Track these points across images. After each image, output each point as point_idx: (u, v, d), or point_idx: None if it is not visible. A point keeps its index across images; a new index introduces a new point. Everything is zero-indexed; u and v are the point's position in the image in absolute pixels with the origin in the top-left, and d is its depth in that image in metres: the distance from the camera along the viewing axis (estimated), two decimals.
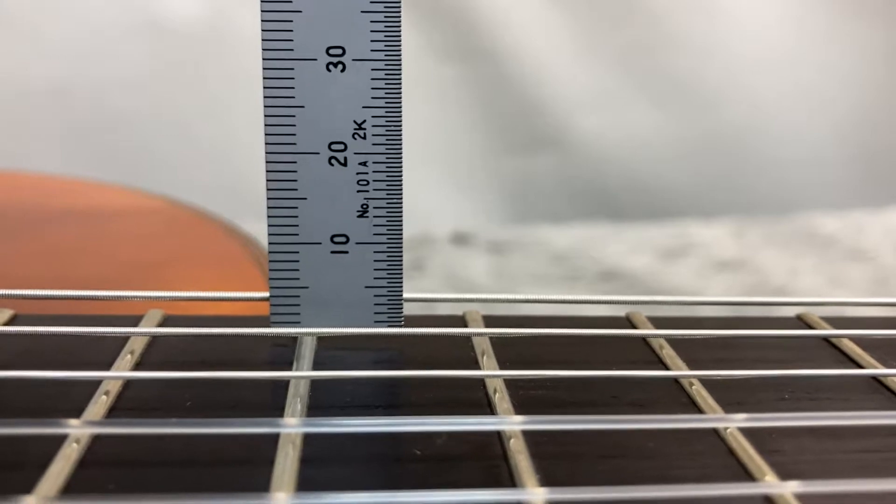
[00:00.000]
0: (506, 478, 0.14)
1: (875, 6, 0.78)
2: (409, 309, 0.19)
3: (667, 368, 0.20)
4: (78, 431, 0.14)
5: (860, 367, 0.20)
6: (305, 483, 0.13)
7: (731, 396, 0.18)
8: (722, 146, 0.79)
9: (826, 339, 0.22)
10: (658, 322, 0.22)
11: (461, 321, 0.21)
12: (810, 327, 0.22)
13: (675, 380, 0.19)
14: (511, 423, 0.16)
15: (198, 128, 0.80)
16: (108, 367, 0.16)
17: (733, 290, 0.54)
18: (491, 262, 0.59)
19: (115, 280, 0.23)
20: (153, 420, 0.14)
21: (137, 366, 0.16)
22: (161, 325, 0.18)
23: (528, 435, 0.15)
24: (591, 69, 0.79)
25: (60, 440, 0.14)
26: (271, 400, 0.16)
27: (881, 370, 0.20)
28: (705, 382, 0.19)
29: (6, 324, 0.18)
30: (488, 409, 0.17)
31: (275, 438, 0.14)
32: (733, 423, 0.17)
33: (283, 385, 0.16)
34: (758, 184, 0.77)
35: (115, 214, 0.27)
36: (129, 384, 0.16)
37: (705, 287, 0.54)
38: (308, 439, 0.14)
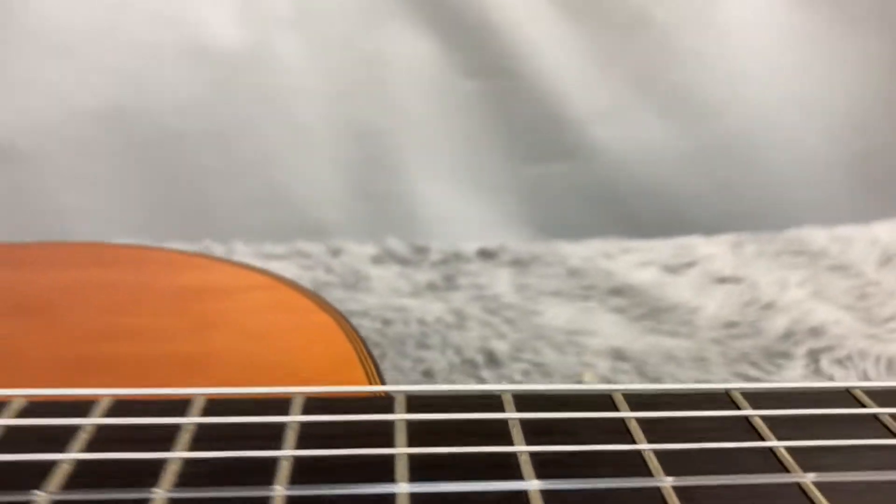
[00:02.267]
0: None
1: (876, 19, 0.84)
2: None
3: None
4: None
5: None
6: None
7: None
8: (728, 159, 0.84)
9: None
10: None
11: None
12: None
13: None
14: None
15: (239, 145, 0.86)
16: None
17: (729, 303, 0.60)
18: (514, 278, 0.65)
19: (244, 353, 0.30)
20: None
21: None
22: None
23: None
24: (604, 83, 0.84)
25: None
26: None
27: None
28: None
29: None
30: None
31: None
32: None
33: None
34: (758, 197, 0.83)
35: (236, 290, 0.34)
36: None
37: (704, 302, 0.60)
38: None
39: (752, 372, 0.53)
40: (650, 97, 0.86)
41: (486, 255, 0.70)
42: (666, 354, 0.55)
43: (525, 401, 0.24)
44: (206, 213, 0.88)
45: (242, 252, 0.72)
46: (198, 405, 0.24)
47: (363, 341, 0.29)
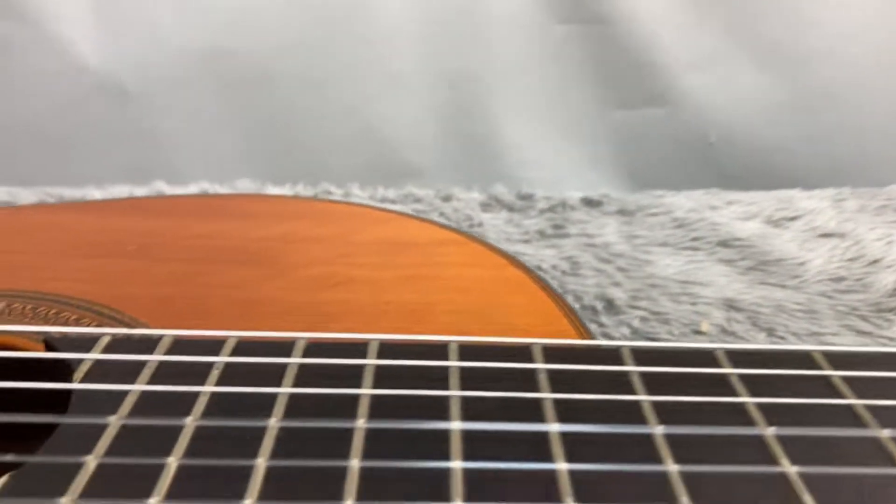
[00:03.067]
0: None
1: None
2: None
3: None
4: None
5: None
6: None
7: None
8: (824, 112, 0.85)
9: None
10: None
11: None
12: None
13: None
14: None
15: (336, 89, 0.89)
16: None
17: (835, 258, 0.63)
18: (621, 227, 0.68)
19: (456, 304, 0.33)
20: None
21: None
22: None
23: None
24: (700, 30, 0.85)
25: None
26: None
27: None
28: None
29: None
30: None
31: None
32: None
33: None
34: (857, 152, 0.84)
35: (431, 244, 0.37)
36: None
37: (810, 256, 0.63)
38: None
39: (863, 326, 0.55)
40: (745, 46, 0.86)
41: (590, 203, 0.73)
42: (777, 306, 0.58)
43: (641, 354, 0.28)
44: (300, 156, 0.91)
45: (359, 196, 0.75)
46: (453, 350, 0.28)
47: (560, 296, 0.33)
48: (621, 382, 0.27)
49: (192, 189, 0.82)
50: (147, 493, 0.22)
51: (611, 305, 0.58)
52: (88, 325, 0.31)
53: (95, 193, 0.82)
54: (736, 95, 0.87)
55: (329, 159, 0.90)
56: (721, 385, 0.27)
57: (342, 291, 0.34)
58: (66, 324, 0.32)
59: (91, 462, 0.23)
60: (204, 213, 0.42)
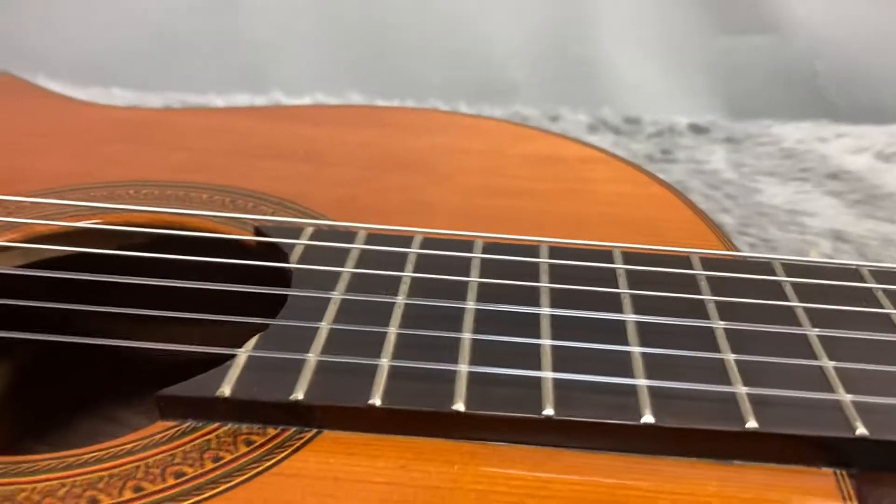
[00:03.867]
0: None
1: None
2: None
3: None
4: None
5: None
6: None
7: None
8: None
9: None
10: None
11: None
12: None
13: None
14: None
15: (437, 4, 0.90)
16: None
17: None
18: (729, 155, 0.70)
19: (609, 216, 0.36)
20: None
21: None
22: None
23: None
24: None
25: None
26: None
27: None
28: None
29: None
30: None
31: None
32: None
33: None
34: None
35: (577, 160, 0.41)
36: None
37: None
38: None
39: None
40: None
41: (697, 130, 0.74)
42: (884, 239, 0.60)
43: (790, 267, 0.31)
44: (405, 71, 0.93)
45: (466, 113, 0.78)
46: (617, 255, 0.31)
47: (704, 212, 0.35)
48: (775, 290, 0.29)
49: (307, 100, 0.86)
50: (377, 355, 0.26)
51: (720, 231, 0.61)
52: (284, 216, 0.35)
53: (217, 101, 0.86)
54: (846, 24, 0.86)
55: (434, 75, 0.92)
56: (868, 297, 0.30)
57: (503, 198, 0.37)
58: (263, 214, 0.36)
59: (324, 328, 0.27)
60: (360, 124, 0.46)
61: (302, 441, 0.24)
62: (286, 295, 0.29)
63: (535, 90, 0.91)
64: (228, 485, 0.23)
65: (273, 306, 0.29)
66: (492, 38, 0.92)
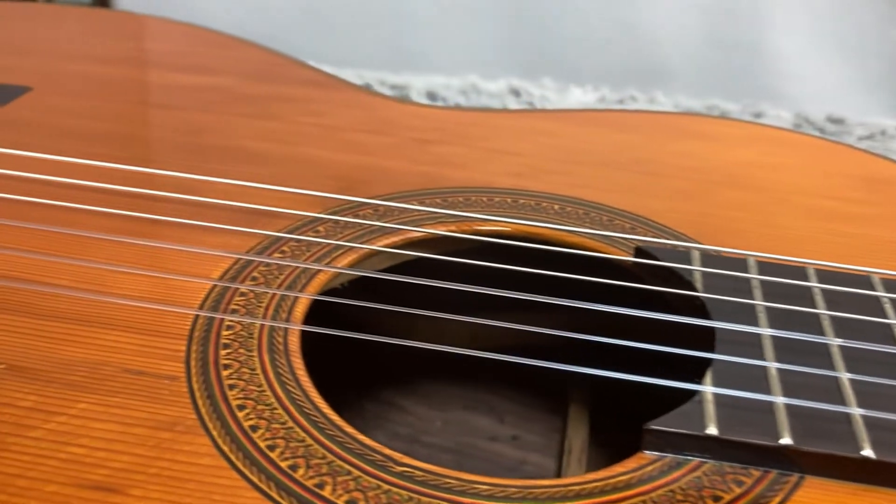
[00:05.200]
0: None
1: None
2: None
3: None
4: None
5: None
6: None
7: None
8: None
9: None
10: None
11: None
12: None
13: None
14: None
15: None
16: None
17: None
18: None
19: None
20: None
21: None
22: None
23: None
24: None
25: None
26: None
27: None
28: None
29: None
30: None
31: None
32: None
33: None
34: None
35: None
36: None
37: None
38: None
39: None
40: None
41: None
42: None
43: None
44: (554, 51, 0.92)
45: (663, 104, 0.77)
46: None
47: None
48: None
49: (457, 81, 0.85)
50: (841, 401, 0.26)
51: None
52: (645, 235, 0.36)
53: (416, 82, 0.86)
54: None
55: (583, 57, 0.90)
56: None
57: (839, 223, 0.37)
58: (624, 231, 0.36)
59: (772, 367, 0.28)
60: (668, 132, 0.45)
61: (789, 486, 0.25)
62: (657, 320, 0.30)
63: (690, 76, 0.89)
64: None
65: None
66: (647, 19, 0.90)
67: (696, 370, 0.28)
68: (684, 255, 0.33)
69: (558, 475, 0.42)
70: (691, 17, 0.88)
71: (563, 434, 0.46)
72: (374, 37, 0.91)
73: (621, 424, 0.40)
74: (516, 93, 0.88)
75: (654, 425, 0.25)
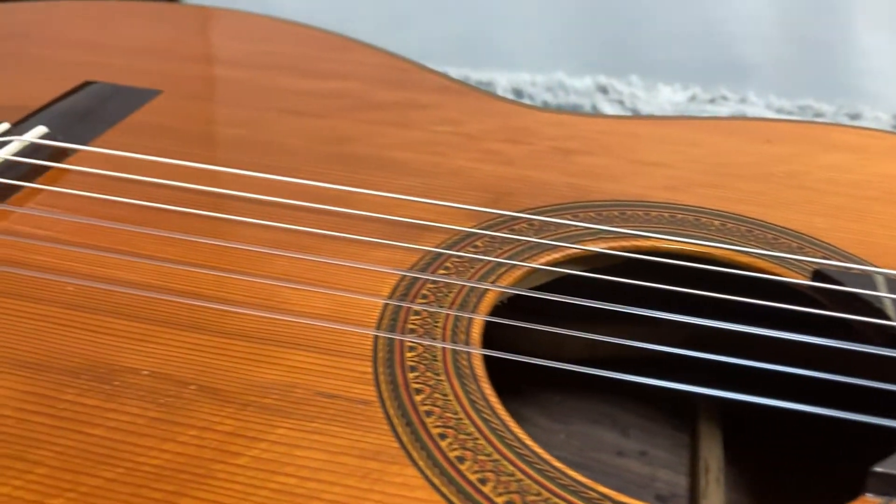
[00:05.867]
0: None
1: None
2: None
3: None
4: None
5: None
6: None
7: None
8: None
9: None
10: None
11: None
12: None
13: None
14: None
15: None
16: None
17: None
18: None
19: None
20: None
21: None
22: None
23: None
24: None
25: None
26: None
27: None
28: None
29: None
30: None
31: None
32: None
33: None
34: None
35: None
36: None
37: None
38: None
39: None
40: None
41: None
42: None
43: None
44: (631, 48, 0.90)
45: (755, 103, 0.75)
46: None
47: None
48: None
49: (527, 77, 0.83)
50: None
51: None
52: (815, 256, 0.35)
53: (500, 79, 0.85)
54: None
55: (666, 53, 0.88)
56: None
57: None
58: (791, 251, 0.35)
59: None
60: (816, 143, 0.44)
61: None
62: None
63: (782, 78, 0.87)
64: None
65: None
66: (726, 15, 0.87)
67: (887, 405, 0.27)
68: (868, 280, 0.31)
69: (692, 493, 0.41)
70: (771, 12, 0.86)
71: (692, 450, 0.45)
72: (451, 31, 0.90)
73: (753, 441, 0.39)
74: (604, 90, 0.87)
75: (882, 468, 0.24)
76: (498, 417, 0.26)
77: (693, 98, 0.85)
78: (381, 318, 0.30)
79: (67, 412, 0.25)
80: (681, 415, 0.45)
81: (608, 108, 0.84)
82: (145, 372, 0.27)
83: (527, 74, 0.87)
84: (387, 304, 0.30)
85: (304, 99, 0.46)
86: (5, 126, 0.39)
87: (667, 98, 0.86)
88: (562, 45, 0.90)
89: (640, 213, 0.37)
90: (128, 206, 0.35)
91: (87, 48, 0.52)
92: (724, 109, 0.85)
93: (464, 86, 0.49)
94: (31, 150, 0.38)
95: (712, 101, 0.86)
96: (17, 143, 0.37)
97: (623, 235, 0.35)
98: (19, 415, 0.25)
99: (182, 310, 0.30)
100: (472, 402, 0.26)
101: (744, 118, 0.71)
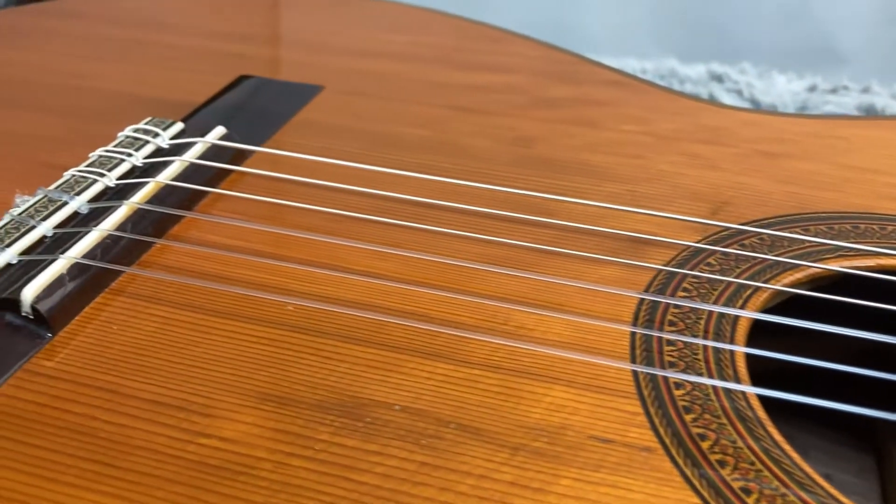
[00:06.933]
0: None
1: None
2: None
3: None
4: None
5: None
6: None
7: None
8: None
9: None
10: None
11: None
12: None
13: None
14: None
15: None
16: None
17: None
18: None
19: None
20: None
21: None
22: None
23: None
24: None
25: None
26: None
27: None
28: None
29: None
30: None
31: None
32: None
33: None
34: None
35: None
36: None
37: None
38: None
39: None
40: None
41: None
42: None
43: None
44: (718, 32, 0.86)
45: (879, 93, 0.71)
46: None
47: None
48: None
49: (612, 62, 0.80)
50: None
51: None
52: None
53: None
54: None
55: (750, 38, 0.84)
56: None
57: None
58: None
59: None
60: None
61: None
62: None
63: (862, 59, 0.82)
64: None
65: None
66: (829, 2, 0.83)
67: None
68: None
69: None
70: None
71: (880, 475, 0.42)
72: (547, 16, 0.87)
73: None
74: (719, 79, 0.83)
75: None
76: (794, 464, 0.23)
77: (813, 88, 0.80)
78: (633, 349, 0.27)
79: (325, 454, 0.23)
80: (863, 436, 0.42)
81: (727, 99, 0.80)
82: (397, 407, 0.25)
83: (635, 61, 0.83)
84: (633, 332, 0.28)
85: (472, 94, 0.43)
86: (179, 126, 0.37)
87: (784, 87, 0.82)
88: (665, 30, 0.86)
89: (874, 227, 0.34)
90: (319, 214, 0.33)
91: (231, 39, 0.50)
92: (847, 100, 0.80)
93: (635, 79, 0.45)
94: (213, 152, 0.37)
95: (834, 90, 0.81)
96: (201, 144, 0.35)
97: (864, 253, 0.32)
98: (275, 457, 0.23)
99: (417, 335, 0.27)
100: (766, 451, 0.24)
101: None
